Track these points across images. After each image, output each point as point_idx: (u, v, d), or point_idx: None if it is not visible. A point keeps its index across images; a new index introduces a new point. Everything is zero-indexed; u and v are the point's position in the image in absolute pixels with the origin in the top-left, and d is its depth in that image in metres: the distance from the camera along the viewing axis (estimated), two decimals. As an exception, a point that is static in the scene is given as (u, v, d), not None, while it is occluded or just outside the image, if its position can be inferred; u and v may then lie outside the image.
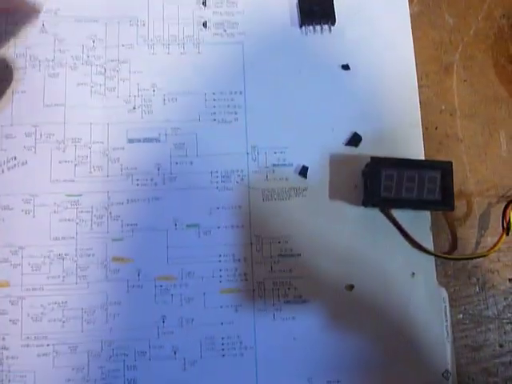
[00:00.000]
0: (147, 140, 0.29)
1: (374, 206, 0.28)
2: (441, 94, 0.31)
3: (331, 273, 0.28)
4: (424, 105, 0.30)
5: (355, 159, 0.29)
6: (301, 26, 0.30)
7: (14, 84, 0.29)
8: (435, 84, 0.31)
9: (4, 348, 0.27)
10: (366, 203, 0.28)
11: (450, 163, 0.28)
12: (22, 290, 0.27)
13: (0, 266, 0.27)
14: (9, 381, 0.26)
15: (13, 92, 0.29)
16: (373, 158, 0.28)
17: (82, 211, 0.28)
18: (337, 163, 0.29)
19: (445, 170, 0.28)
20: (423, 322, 0.27)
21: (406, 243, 0.29)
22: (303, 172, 0.29)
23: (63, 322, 0.27)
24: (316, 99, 0.30)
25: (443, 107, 0.30)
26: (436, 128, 0.30)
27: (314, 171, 0.29)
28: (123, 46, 0.30)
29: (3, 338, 0.27)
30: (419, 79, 0.30)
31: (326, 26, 0.30)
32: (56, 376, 0.27)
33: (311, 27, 0.30)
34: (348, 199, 0.29)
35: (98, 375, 0.27)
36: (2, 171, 0.28)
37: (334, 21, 0.30)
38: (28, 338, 0.27)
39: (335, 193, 0.29)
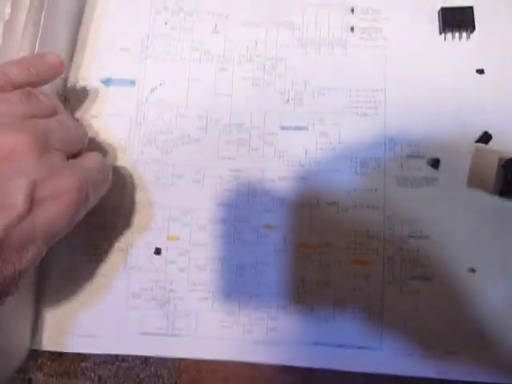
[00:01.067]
0: (297, 128, 0.34)
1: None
2: None
3: (456, 256, 0.31)
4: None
5: (485, 155, 0.32)
6: (441, 33, 0.33)
7: (189, 72, 0.34)
8: None
9: (172, 291, 0.33)
10: (504, 194, 0.31)
11: None
12: (190, 245, 0.33)
13: (173, 224, 0.33)
14: (174, 317, 0.33)
15: (188, 79, 0.34)
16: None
17: (240, 184, 0.33)
18: (467, 158, 0.32)
19: None
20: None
21: (530, 236, 0.31)
22: (435, 164, 0.32)
23: (221, 274, 0.33)
24: (450, 99, 0.33)
25: None
26: None
27: (445, 164, 0.32)
28: (280, 46, 0.35)
29: (171, 283, 0.33)
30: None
31: (464, 34, 0.33)
32: (213, 317, 0.32)
33: (450, 34, 0.33)
34: (476, 191, 0.32)
35: (246, 321, 0.32)
36: (177, 145, 0.34)
37: (474, 29, 0.33)
38: (193, 284, 0.33)
39: (463, 184, 0.32)
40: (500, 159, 0.31)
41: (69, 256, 0.33)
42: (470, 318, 0.31)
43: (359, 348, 0.31)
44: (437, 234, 0.32)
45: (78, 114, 0.34)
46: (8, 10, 0.28)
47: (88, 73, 0.35)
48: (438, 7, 0.33)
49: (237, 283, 0.33)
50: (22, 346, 0.32)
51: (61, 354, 0.33)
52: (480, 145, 0.32)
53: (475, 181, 0.32)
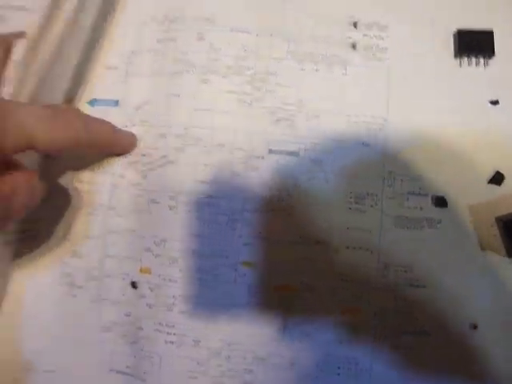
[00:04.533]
0: (287, 153, 0.30)
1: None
2: None
3: (456, 309, 0.28)
4: None
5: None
6: (455, 57, 0.30)
7: (169, 87, 0.30)
8: None
9: (140, 328, 0.29)
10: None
11: None
12: (160, 279, 0.29)
13: (145, 255, 0.29)
14: (140, 357, 0.29)
15: (168, 95, 0.30)
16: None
17: (219, 213, 0.29)
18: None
19: None
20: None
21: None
22: (439, 203, 0.29)
23: (190, 315, 0.29)
24: (460, 132, 0.29)
25: None
26: None
27: (451, 205, 0.29)
28: (273, 58, 0.31)
29: (140, 320, 0.29)
30: None
31: (481, 60, 0.29)
32: (178, 364, 0.28)
33: (466, 59, 0.30)
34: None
35: (217, 372, 0.28)
36: (154, 168, 0.30)
37: (493, 55, 0.29)
38: (160, 323, 0.29)
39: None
40: (497, 219, 0.28)
41: (43, 284, 0.30)
42: (469, 378, 0.27)
43: (343, 410, 0.27)
44: (436, 285, 0.28)
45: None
46: None
47: (75, 94, 0.31)
48: (455, 29, 0.30)
49: (207, 328, 0.28)
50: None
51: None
52: (474, 205, 0.28)
53: (485, 244, 0.28)
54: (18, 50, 0.26)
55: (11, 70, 0.25)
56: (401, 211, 0.29)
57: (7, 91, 0.25)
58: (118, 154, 0.30)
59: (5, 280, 0.29)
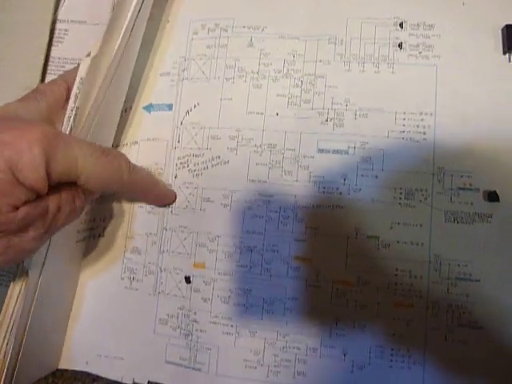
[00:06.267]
0: (336, 151, 0.31)
1: None
2: None
3: (510, 303, 0.28)
4: None
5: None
6: (504, 53, 0.30)
7: (223, 92, 0.32)
8: None
9: (195, 321, 0.30)
10: None
11: None
12: (215, 274, 0.31)
13: (199, 250, 0.31)
14: (196, 350, 0.30)
15: (221, 98, 0.32)
16: None
17: (271, 210, 0.31)
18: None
19: None
20: None
21: None
22: (490, 198, 0.29)
23: (246, 308, 0.30)
24: (508, 126, 0.29)
25: None
26: None
27: (503, 199, 0.29)
28: (321, 61, 0.32)
29: (195, 313, 0.31)
30: None
31: (532, 54, 0.30)
32: (236, 354, 0.30)
33: (515, 54, 0.30)
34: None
35: (272, 362, 0.29)
36: (207, 167, 0.32)
37: (544, 48, 0.29)
38: (216, 316, 0.30)
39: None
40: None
41: (103, 277, 0.32)
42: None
43: (396, 400, 0.28)
44: (488, 278, 0.28)
45: (120, 142, 0.33)
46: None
47: (133, 100, 0.34)
48: (503, 24, 0.30)
49: (263, 319, 0.30)
50: (51, 364, 0.31)
51: (73, 374, 0.31)
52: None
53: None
54: (83, 68, 0.28)
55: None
56: (451, 206, 0.29)
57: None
58: (156, 204, 0.32)
59: (78, 272, 0.32)
